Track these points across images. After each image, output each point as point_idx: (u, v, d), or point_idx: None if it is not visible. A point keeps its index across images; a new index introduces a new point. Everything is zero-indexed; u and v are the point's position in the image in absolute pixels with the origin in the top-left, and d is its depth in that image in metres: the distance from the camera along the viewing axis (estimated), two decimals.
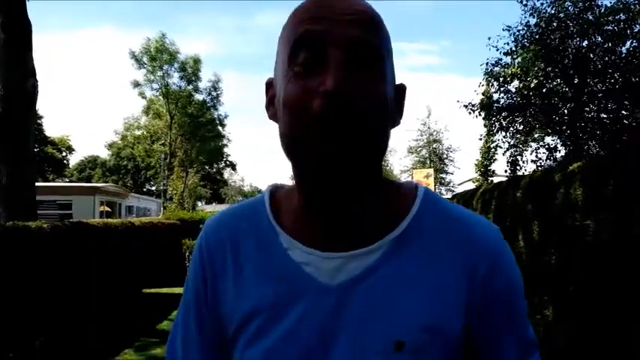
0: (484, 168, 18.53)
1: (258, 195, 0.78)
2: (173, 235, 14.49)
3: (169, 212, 16.40)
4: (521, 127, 9.17)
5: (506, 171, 9.48)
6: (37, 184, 14.00)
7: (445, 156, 49.08)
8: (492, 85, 9.27)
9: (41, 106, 47.60)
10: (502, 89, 9.00)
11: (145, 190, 58.74)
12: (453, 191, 47.62)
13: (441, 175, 49.03)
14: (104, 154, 65.57)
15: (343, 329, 0.63)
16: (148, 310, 10.42)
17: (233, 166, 42.77)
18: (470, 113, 9.65)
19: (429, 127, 48.67)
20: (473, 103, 9.60)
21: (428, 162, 49.48)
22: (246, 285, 0.69)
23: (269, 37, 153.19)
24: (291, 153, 0.63)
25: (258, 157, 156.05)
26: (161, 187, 31.53)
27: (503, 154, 9.49)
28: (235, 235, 0.74)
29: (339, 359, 0.63)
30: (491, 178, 18.57)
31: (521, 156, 9.49)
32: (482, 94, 9.45)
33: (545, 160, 8.96)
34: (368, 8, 0.63)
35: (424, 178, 13.05)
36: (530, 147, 9.49)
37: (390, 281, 0.64)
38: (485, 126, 20.61)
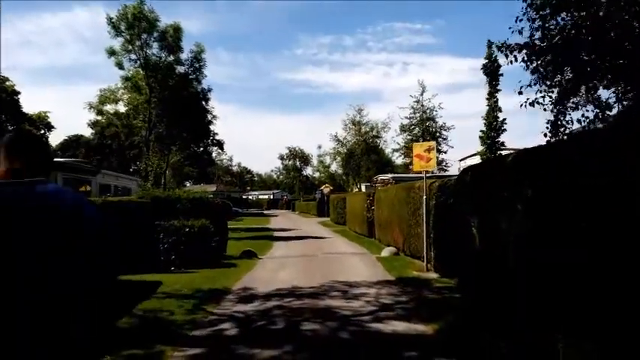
0: (490, 140, 17.20)
1: None
2: (146, 216, 13.04)
3: (143, 191, 14.87)
4: (565, 75, 7.59)
5: (546, 135, 7.91)
6: None
7: (438, 134, 47.68)
8: (534, 20, 7.58)
9: (19, 82, 45.44)
10: (547, 25, 7.37)
11: (131, 170, 57.00)
12: (446, 170, 46.34)
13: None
14: (88, 132, 63.45)
15: None
16: (110, 301, 9.04)
17: (220, 145, 40.99)
18: (506, 57, 8.05)
19: (422, 105, 47.16)
20: (508, 43, 7.96)
21: (420, 140, 48.04)
22: None
23: (263, 15, 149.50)
24: None
25: (247, 138, 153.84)
26: (142, 166, 29.86)
27: (552, 111, 7.79)
28: None
29: None
30: (499, 152, 17.19)
31: (564, 115, 7.86)
32: (519, 32, 7.74)
33: (594, 121, 7.45)
34: None
35: (425, 152, 11.57)
36: (573, 104, 7.87)
37: None
38: (491, 87, 19.20)
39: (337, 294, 9.12)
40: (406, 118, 47.80)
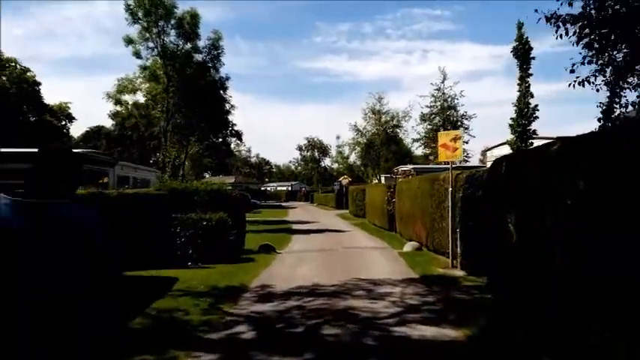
0: (521, 128, 16.24)
1: None
2: (163, 208, 12.75)
3: (159, 184, 14.59)
4: (621, 50, 6.84)
5: (600, 120, 7.21)
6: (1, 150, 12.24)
7: (460, 124, 46.56)
8: None
9: (40, 73, 45.85)
10: None
11: (151, 161, 57.27)
12: (467, 161, 45.24)
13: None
14: (109, 123, 63.94)
15: None
16: (125, 300, 8.75)
17: (239, 136, 40.69)
18: (556, 29, 7.34)
19: (443, 93, 46.04)
20: (559, 14, 7.22)
21: (441, 130, 46.96)
22: None
23: (282, 2, 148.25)
24: None
25: (266, 128, 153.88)
26: (160, 157, 29.72)
27: (609, 90, 7.06)
28: None
29: None
30: (531, 141, 16.32)
31: (619, 97, 7.10)
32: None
33: None
34: None
35: (451, 141, 11.00)
36: (629, 84, 7.11)
37: None
38: (521, 71, 18.18)
39: (360, 293, 8.67)
40: (426, 107, 46.68)
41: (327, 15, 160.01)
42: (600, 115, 7.18)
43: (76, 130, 72.02)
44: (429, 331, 6.28)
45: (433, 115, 46.49)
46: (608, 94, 7.15)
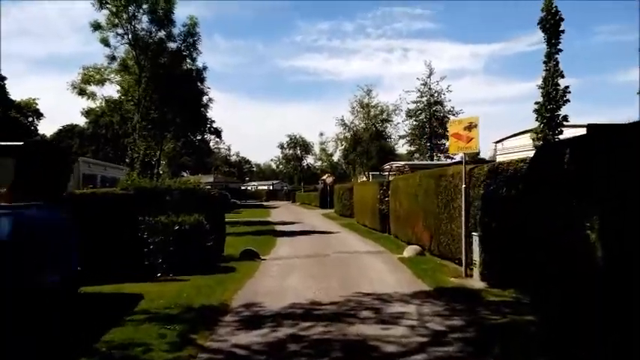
0: (549, 113, 14.34)
1: None
2: (128, 211, 10.92)
3: (126, 182, 12.67)
4: None
5: None
6: None
7: (447, 120, 45.13)
8: None
9: (16, 72, 43.02)
10: None
11: (126, 160, 54.73)
12: (453, 158, 43.83)
13: (442, 142, 45.07)
14: (82, 121, 61.09)
15: None
16: (83, 320, 6.97)
17: (218, 133, 38.56)
18: None
19: (429, 88, 44.65)
20: None
21: (427, 127, 45.65)
22: None
23: (257, 2, 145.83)
24: None
25: (246, 127, 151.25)
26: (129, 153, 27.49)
27: None
28: None
29: None
30: (560, 128, 14.54)
31: None
32: None
33: None
34: None
35: (465, 130, 9.43)
36: None
37: None
38: (550, 47, 16.40)
39: (368, 314, 7.01)
40: (412, 102, 45.16)
41: (307, 14, 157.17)
42: None
43: (48, 128, 68.74)
44: None
45: (419, 111, 45.06)
46: None
